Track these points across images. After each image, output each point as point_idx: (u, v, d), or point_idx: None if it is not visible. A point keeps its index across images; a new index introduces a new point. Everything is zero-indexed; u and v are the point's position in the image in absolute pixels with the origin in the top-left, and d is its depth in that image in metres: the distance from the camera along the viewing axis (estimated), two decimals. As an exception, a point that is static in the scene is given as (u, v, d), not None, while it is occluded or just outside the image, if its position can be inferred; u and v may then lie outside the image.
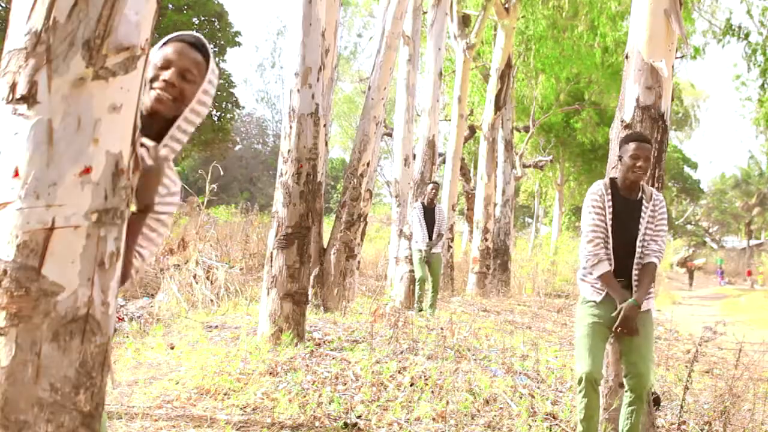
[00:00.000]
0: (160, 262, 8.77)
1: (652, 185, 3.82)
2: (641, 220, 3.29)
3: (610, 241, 3.26)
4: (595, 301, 3.24)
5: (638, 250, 3.27)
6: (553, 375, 4.88)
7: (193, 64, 1.67)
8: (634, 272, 3.27)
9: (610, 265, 3.23)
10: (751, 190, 48.28)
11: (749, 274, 32.17)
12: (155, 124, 1.65)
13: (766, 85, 14.58)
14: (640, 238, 3.27)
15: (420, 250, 7.98)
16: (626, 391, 3.26)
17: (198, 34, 1.72)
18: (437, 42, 10.13)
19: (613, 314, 3.17)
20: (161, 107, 1.63)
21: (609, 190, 3.31)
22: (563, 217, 29.92)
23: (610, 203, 3.29)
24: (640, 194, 3.33)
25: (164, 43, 1.69)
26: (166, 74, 1.63)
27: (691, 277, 28.78)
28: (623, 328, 3.14)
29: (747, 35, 13.85)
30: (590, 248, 3.25)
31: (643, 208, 3.30)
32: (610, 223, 3.27)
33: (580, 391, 3.16)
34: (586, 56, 15.80)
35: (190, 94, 1.66)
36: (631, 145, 3.26)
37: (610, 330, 3.22)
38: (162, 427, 3.40)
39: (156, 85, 1.63)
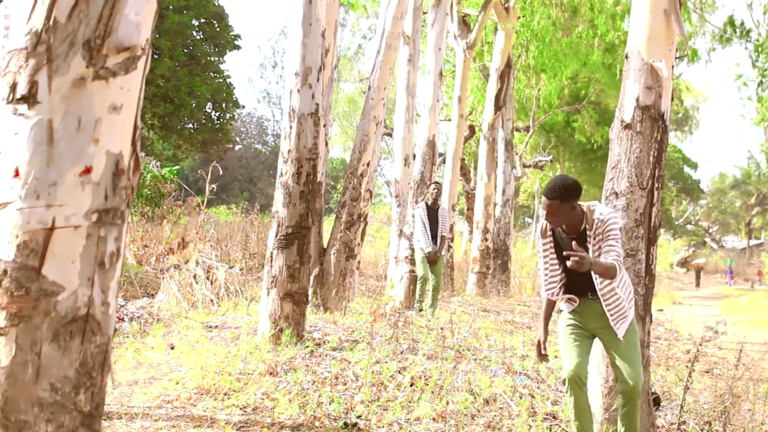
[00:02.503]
0: (161, 262, 8.77)
1: (652, 185, 3.82)
2: (588, 251, 3.28)
3: (563, 274, 3.38)
4: (569, 311, 3.43)
5: (597, 279, 3.29)
6: (553, 375, 4.88)
7: None
8: (604, 301, 3.30)
9: (554, 297, 3.44)
10: (750, 190, 48.26)
11: (759, 274, 32.17)
12: None
13: (764, 84, 14.57)
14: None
15: (422, 249, 7.98)
16: (619, 394, 3.31)
17: None
18: (437, 42, 10.13)
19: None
20: None
21: (549, 231, 3.40)
22: (563, 217, 29.87)
23: (551, 242, 3.39)
24: (582, 226, 3.31)
25: None
26: None
27: (698, 277, 28.85)
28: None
29: (748, 32, 13.85)
30: (543, 287, 3.50)
31: (587, 239, 3.29)
32: (556, 260, 3.38)
33: (566, 392, 3.26)
34: (586, 56, 15.80)
35: None
36: (543, 200, 3.28)
37: (589, 332, 3.36)
38: (162, 427, 3.40)
39: None
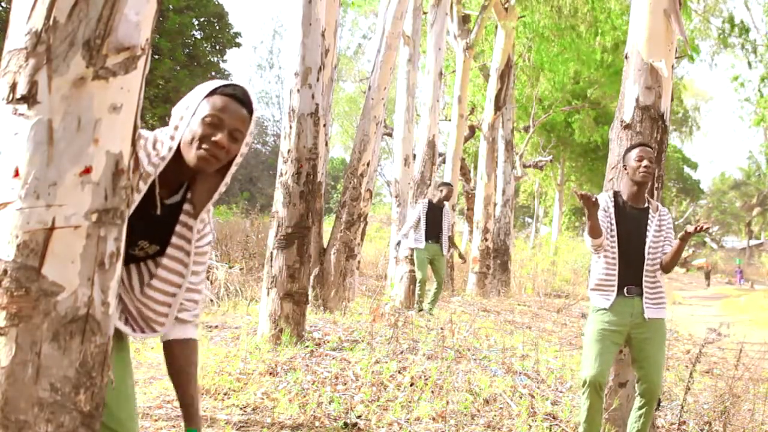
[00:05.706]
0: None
1: (652, 185, 3.82)
2: (648, 228, 3.30)
3: (617, 249, 3.27)
4: (605, 308, 3.26)
5: (647, 258, 3.28)
6: (553, 375, 4.88)
7: (241, 122, 1.63)
8: (645, 281, 3.27)
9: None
10: (750, 190, 48.27)
11: None
12: (197, 176, 1.69)
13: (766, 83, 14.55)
14: (648, 245, 3.29)
15: (420, 249, 7.95)
16: (636, 396, 3.31)
17: (245, 87, 1.67)
18: (437, 42, 10.13)
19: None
20: (208, 167, 1.62)
21: (612, 201, 3.35)
22: (563, 217, 29.94)
23: (613, 213, 3.31)
24: (646, 204, 3.36)
25: (211, 92, 1.63)
26: (218, 136, 1.59)
27: (707, 278, 28.99)
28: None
29: (747, 31, 13.84)
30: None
31: (650, 216, 3.33)
32: (615, 232, 3.29)
33: (583, 393, 3.24)
34: (586, 55, 15.80)
35: (235, 151, 1.65)
36: (635, 150, 3.31)
37: (621, 336, 3.27)
38: (162, 427, 3.40)
39: (205, 146, 1.59)
